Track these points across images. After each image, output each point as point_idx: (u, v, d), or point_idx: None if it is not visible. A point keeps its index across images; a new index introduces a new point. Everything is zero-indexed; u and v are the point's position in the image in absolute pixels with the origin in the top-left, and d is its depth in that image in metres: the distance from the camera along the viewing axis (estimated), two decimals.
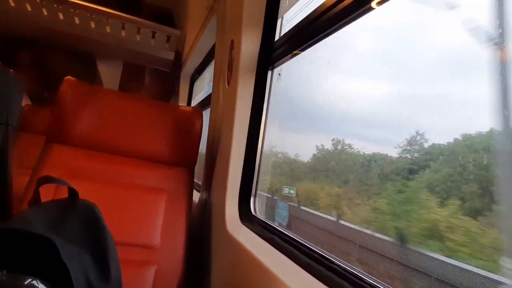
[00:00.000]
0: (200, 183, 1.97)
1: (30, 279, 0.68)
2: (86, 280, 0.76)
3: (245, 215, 1.29)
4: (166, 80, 3.65)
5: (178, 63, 3.31)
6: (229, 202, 1.31)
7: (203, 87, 3.10)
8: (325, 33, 1.07)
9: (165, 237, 1.31)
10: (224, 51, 1.50)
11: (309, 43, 1.16)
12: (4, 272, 0.67)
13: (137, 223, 1.29)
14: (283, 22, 1.34)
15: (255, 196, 1.35)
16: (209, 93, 2.36)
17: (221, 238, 1.31)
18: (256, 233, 1.12)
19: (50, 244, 0.72)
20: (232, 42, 1.39)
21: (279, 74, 1.33)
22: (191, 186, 1.47)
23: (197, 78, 3.29)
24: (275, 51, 1.29)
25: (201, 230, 1.56)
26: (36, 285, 0.68)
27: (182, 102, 3.31)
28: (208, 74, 2.91)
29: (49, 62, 3.54)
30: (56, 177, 0.92)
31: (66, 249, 0.74)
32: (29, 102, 3.55)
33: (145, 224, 1.30)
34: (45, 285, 0.69)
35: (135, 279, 1.21)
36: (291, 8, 1.30)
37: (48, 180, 0.90)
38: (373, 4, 0.88)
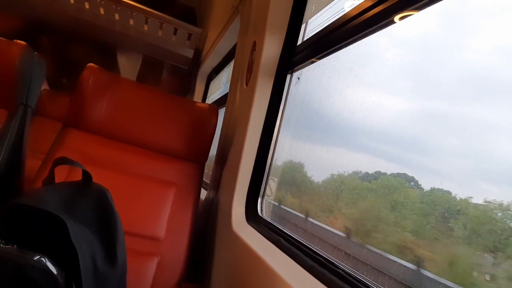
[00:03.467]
0: (207, 181, 1.98)
1: (38, 256, 0.69)
2: (93, 263, 0.77)
3: (252, 216, 1.29)
4: (182, 77, 3.68)
5: (196, 61, 3.33)
6: (237, 201, 1.32)
7: (219, 87, 3.12)
8: (346, 42, 1.08)
9: (170, 230, 1.32)
10: (245, 52, 1.51)
11: (330, 50, 1.16)
12: (15, 246, 0.69)
13: (144, 214, 1.30)
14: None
15: (262, 198, 1.35)
16: (225, 93, 2.38)
17: (225, 236, 1.31)
18: (262, 234, 1.13)
19: (61, 223, 0.73)
20: (254, 43, 1.39)
21: (298, 78, 1.33)
22: (200, 182, 1.48)
23: (214, 77, 3.31)
24: (296, 55, 1.30)
25: (206, 227, 1.56)
26: (44, 262, 0.69)
27: (197, 100, 3.33)
28: (225, 75, 2.93)
29: (70, 49, 3.59)
30: (73, 160, 0.93)
31: (76, 230, 0.75)
32: (47, 87, 3.61)
33: (152, 216, 1.31)
34: (52, 263, 0.70)
35: (137, 269, 1.22)
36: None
37: (64, 161, 0.92)
38: (395, 19, 0.88)
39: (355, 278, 0.73)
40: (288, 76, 1.34)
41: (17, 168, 1.36)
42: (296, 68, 1.32)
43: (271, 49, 1.31)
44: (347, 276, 0.75)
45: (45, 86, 3.57)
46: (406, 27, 0.92)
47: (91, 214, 0.85)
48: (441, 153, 0.94)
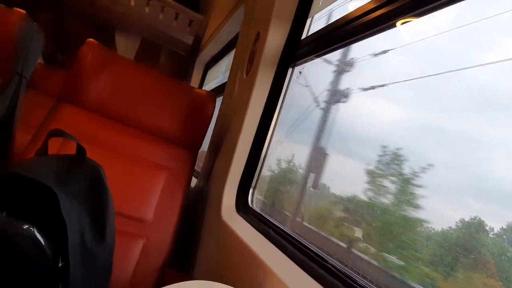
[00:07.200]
0: (198, 170, 1.97)
1: (28, 226, 0.68)
2: (81, 237, 0.77)
3: (242, 206, 1.29)
4: (180, 63, 3.65)
5: (195, 48, 3.31)
6: (228, 191, 1.31)
7: (217, 76, 3.10)
8: (350, 41, 1.09)
9: (158, 213, 1.31)
10: (247, 41, 1.50)
11: (333, 47, 1.17)
12: (4, 214, 0.67)
13: (133, 196, 1.29)
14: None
15: (254, 189, 1.35)
16: (223, 82, 2.36)
17: (214, 224, 1.31)
18: (251, 224, 1.13)
19: (52, 195, 0.72)
20: (258, 34, 1.39)
21: (300, 72, 1.33)
22: (192, 169, 1.47)
23: (212, 66, 3.29)
24: (299, 49, 1.29)
25: (194, 214, 1.56)
26: (33, 231, 0.68)
27: None
28: (224, 64, 2.91)
29: (68, 25, 3.53)
30: (67, 132, 0.92)
31: (67, 203, 0.74)
32: (42, 61, 3.54)
33: (142, 198, 1.30)
34: (41, 235, 0.69)
35: (122, 249, 1.21)
36: None
37: (59, 133, 0.90)
38: (397, 24, 0.90)
39: (344, 274, 0.74)
40: (290, 70, 1.34)
41: (7, 138, 1.34)
42: (298, 62, 1.32)
43: (274, 41, 1.30)
44: (337, 272, 0.75)
45: (40, 61, 3.50)
46: (414, 36, 0.93)
47: (83, 189, 0.84)
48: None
